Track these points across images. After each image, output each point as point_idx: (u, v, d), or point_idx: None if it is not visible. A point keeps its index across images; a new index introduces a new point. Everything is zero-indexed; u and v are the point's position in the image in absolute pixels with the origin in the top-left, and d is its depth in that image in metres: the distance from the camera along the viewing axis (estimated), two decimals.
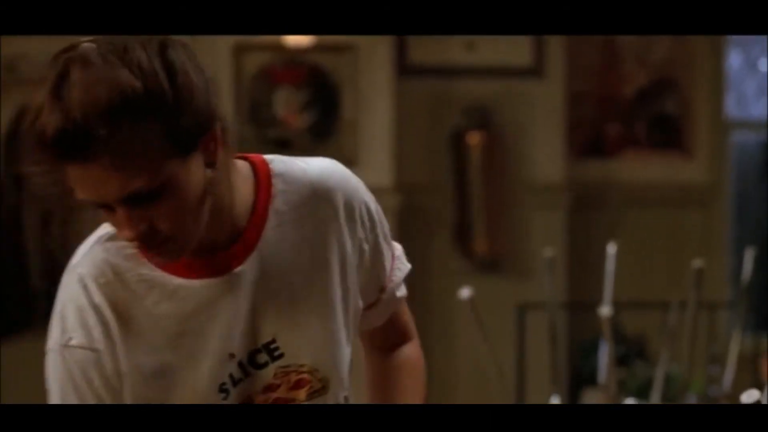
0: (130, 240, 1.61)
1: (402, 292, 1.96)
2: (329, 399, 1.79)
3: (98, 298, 1.69)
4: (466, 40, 6.31)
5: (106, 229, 1.72)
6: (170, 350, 1.70)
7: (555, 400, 3.77)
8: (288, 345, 1.74)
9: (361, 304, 1.84)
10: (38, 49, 5.79)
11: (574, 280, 6.19)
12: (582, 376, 6.03)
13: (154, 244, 1.61)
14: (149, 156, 1.54)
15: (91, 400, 1.69)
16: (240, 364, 1.72)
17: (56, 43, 5.67)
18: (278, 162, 1.78)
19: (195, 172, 1.60)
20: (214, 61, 5.83)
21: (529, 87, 6.39)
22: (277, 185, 1.75)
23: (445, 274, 6.05)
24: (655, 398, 3.69)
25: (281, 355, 1.74)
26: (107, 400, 1.69)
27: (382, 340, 1.97)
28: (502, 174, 6.18)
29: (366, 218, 1.83)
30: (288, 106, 5.93)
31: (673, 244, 6.68)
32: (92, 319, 1.69)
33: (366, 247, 1.84)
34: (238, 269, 1.71)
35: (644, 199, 6.70)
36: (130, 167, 1.54)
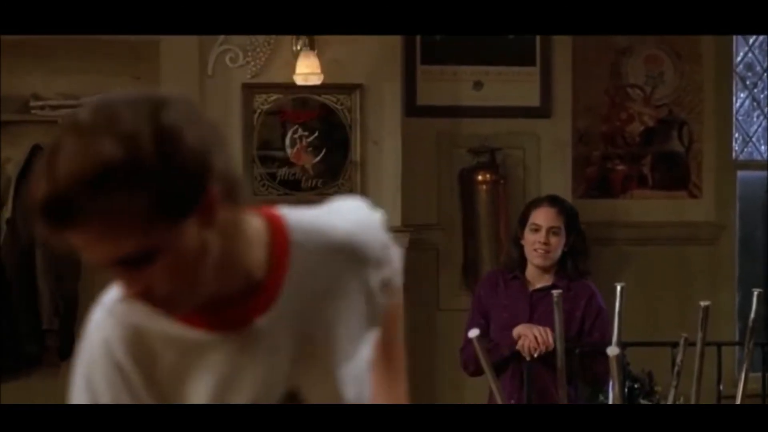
0: (131, 298, 1.64)
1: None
2: None
3: (123, 359, 1.71)
4: (473, 80, 6.35)
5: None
6: (189, 402, 1.73)
7: None
8: (312, 394, 1.78)
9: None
10: (48, 89, 5.86)
11: None
12: None
13: (153, 302, 1.64)
14: (134, 223, 1.56)
15: None
16: None
17: (65, 82, 5.66)
18: (293, 215, 1.80)
19: (189, 234, 1.60)
20: (225, 100, 5.87)
21: (536, 126, 6.41)
22: (294, 237, 1.77)
23: (453, 311, 6.06)
24: None
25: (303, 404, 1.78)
26: None
27: None
28: (510, 212, 6.19)
29: (382, 259, 1.87)
30: (297, 145, 5.96)
31: (680, 282, 6.69)
32: (119, 381, 1.71)
33: (381, 283, 1.88)
34: (260, 322, 1.73)
35: (651, 238, 6.71)
36: (116, 234, 1.56)
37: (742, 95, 7.00)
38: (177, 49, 5.72)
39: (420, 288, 6.18)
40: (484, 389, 4.53)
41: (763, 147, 7.04)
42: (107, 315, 1.74)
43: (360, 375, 1.83)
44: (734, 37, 6.88)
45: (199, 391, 1.72)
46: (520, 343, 4.49)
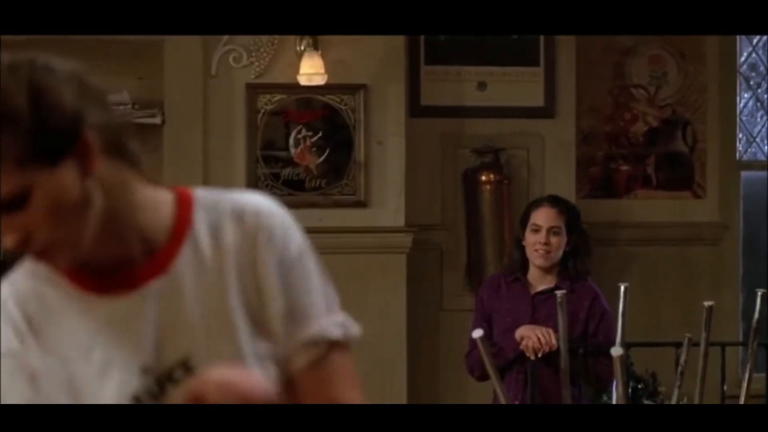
0: (11, 248, 1.70)
1: (343, 361, 1.86)
2: None
3: (15, 313, 1.78)
4: (477, 81, 6.36)
5: None
6: (81, 363, 1.77)
7: None
8: (201, 363, 1.78)
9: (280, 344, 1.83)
10: None
11: None
12: None
13: (35, 251, 1.71)
14: (6, 164, 1.64)
15: (16, 401, 1.76)
16: (157, 380, 1.77)
17: None
18: (204, 193, 1.85)
19: (65, 179, 1.68)
20: (228, 100, 5.87)
21: (540, 127, 6.41)
22: (200, 213, 1.81)
23: (457, 311, 6.07)
24: None
25: (194, 372, 1.78)
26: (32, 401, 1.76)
27: None
28: (514, 212, 6.20)
29: (286, 256, 1.82)
30: (300, 145, 5.96)
31: (683, 283, 6.69)
32: (9, 333, 1.77)
33: (279, 282, 1.82)
34: (150, 286, 1.77)
35: (655, 238, 6.71)
36: None
37: (745, 95, 7.00)
38: (180, 50, 5.73)
39: (423, 288, 6.18)
40: (487, 390, 4.53)
41: (766, 147, 7.04)
42: (6, 280, 1.80)
43: (265, 365, 1.80)
44: (738, 37, 6.88)
45: (94, 354, 1.77)
46: (523, 343, 4.49)
